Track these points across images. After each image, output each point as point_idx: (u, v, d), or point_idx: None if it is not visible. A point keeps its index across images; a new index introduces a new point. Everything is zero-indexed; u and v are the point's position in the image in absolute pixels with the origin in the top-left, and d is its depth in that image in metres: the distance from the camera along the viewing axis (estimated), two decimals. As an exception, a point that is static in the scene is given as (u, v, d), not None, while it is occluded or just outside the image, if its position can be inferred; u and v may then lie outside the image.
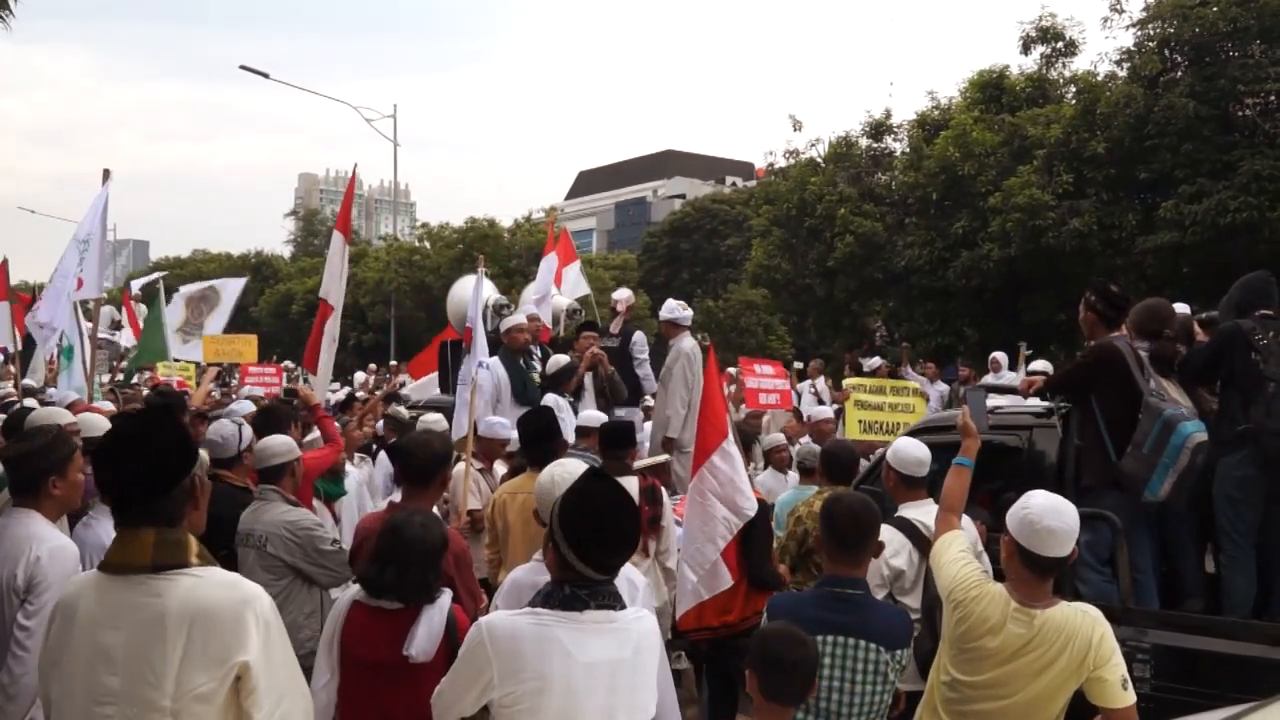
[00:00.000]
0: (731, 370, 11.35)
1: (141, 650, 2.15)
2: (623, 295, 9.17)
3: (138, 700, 2.13)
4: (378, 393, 11.41)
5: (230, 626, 2.16)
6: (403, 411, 8.68)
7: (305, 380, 11.14)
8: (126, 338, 16.16)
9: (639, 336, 8.63)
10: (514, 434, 6.30)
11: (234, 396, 11.77)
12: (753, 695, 2.79)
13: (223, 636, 2.15)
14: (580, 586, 2.45)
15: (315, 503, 5.52)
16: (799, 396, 11.85)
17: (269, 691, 2.19)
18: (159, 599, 2.16)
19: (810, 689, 2.82)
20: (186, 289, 14.09)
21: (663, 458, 6.46)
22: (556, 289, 10.91)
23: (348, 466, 6.29)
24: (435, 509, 4.10)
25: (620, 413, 7.93)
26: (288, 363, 23.18)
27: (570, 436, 6.07)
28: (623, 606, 2.51)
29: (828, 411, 8.99)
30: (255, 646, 2.17)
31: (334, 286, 7.34)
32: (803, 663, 2.76)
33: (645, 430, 8.08)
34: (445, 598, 3.18)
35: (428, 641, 3.04)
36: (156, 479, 2.23)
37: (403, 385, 12.97)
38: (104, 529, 3.84)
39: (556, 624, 2.39)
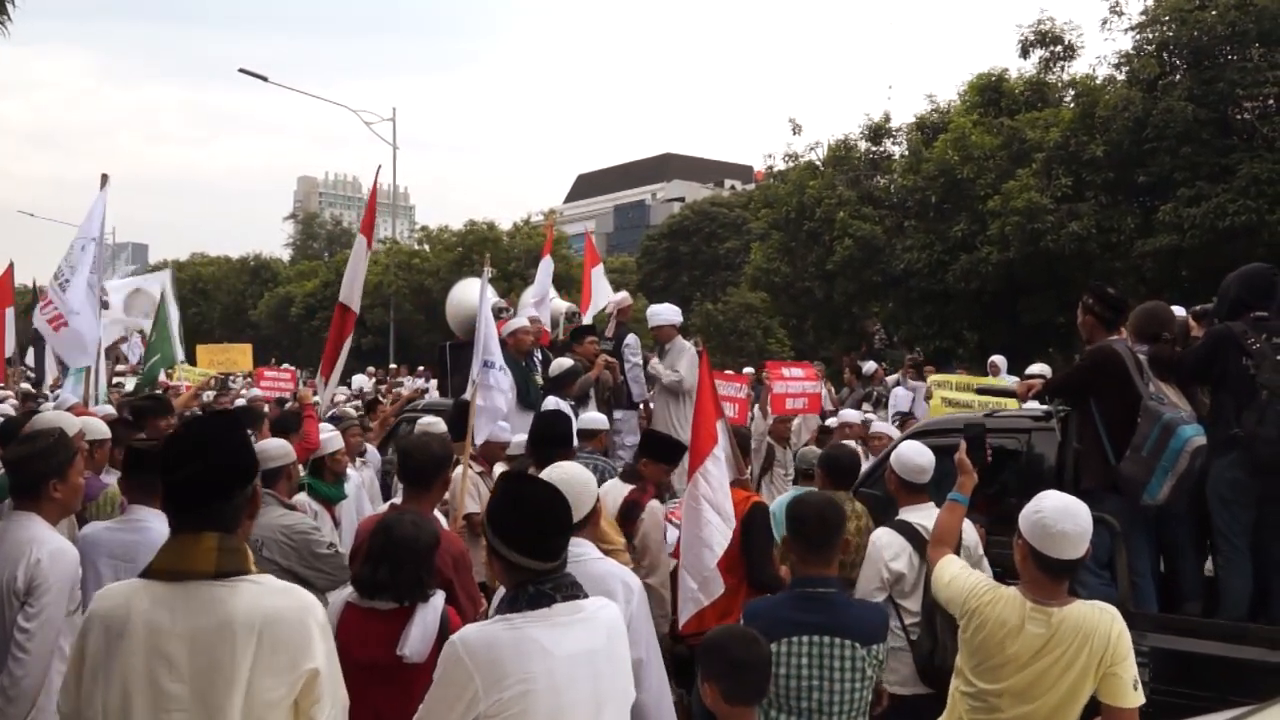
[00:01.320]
0: (749, 370, 11.34)
1: (209, 657, 2.12)
2: (617, 297, 9.21)
3: (208, 706, 2.11)
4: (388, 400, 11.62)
5: (298, 635, 2.16)
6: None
7: (312, 378, 11.27)
8: (134, 349, 16.10)
9: (632, 339, 8.62)
10: (514, 437, 6.30)
11: (232, 401, 11.82)
12: (715, 707, 2.77)
13: (291, 645, 2.15)
14: (541, 583, 2.44)
15: (315, 505, 5.53)
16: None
17: (330, 695, 2.21)
18: (224, 605, 2.14)
19: (768, 684, 2.87)
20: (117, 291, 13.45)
21: None
22: (553, 291, 10.91)
23: (348, 470, 6.29)
24: (436, 511, 4.10)
25: (618, 415, 7.95)
26: (287, 365, 23.23)
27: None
28: (585, 595, 2.51)
29: (855, 416, 8.96)
30: (321, 653, 2.19)
31: (354, 290, 7.38)
32: (760, 660, 2.80)
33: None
34: (438, 598, 3.18)
35: (421, 642, 3.04)
36: (221, 484, 2.22)
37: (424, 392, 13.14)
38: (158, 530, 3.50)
39: (529, 625, 2.39)
